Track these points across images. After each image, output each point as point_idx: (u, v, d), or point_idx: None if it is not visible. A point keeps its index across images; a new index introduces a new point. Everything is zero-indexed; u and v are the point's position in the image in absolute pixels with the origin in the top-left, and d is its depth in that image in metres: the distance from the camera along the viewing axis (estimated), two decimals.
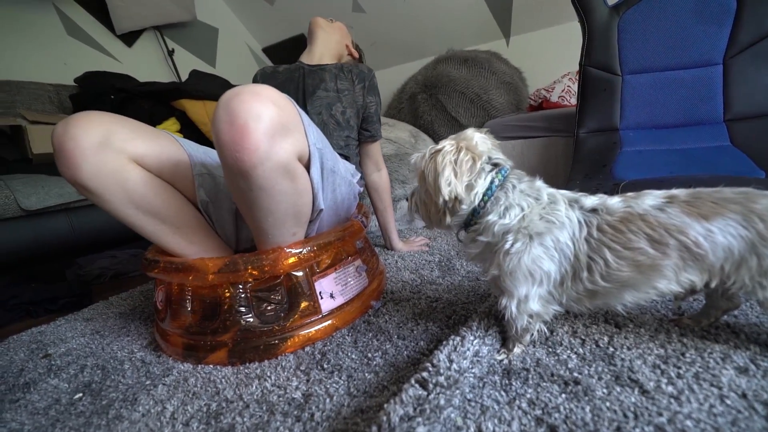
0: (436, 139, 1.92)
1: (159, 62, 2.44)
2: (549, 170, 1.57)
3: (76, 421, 0.61)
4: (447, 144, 0.59)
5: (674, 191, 0.56)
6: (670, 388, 0.52)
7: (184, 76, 2.43)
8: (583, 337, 0.67)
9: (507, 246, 0.57)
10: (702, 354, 0.58)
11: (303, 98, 1.12)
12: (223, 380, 0.67)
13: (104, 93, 1.76)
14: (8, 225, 1.22)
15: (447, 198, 0.58)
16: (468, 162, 0.57)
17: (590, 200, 0.58)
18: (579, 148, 1.28)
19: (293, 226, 0.76)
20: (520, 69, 2.09)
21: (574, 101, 1.87)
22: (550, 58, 2.14)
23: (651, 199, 0.56)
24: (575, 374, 0.57)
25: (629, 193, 0.59)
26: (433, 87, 1.95)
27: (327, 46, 1.20)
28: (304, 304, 0.78)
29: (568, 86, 1.97)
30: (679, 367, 0.56)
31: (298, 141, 0.68)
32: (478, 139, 0.61)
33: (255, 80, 1.19)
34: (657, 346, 0.62)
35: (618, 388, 0.53)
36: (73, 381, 0.73)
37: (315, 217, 0.80)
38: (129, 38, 2.28)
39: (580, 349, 0.63)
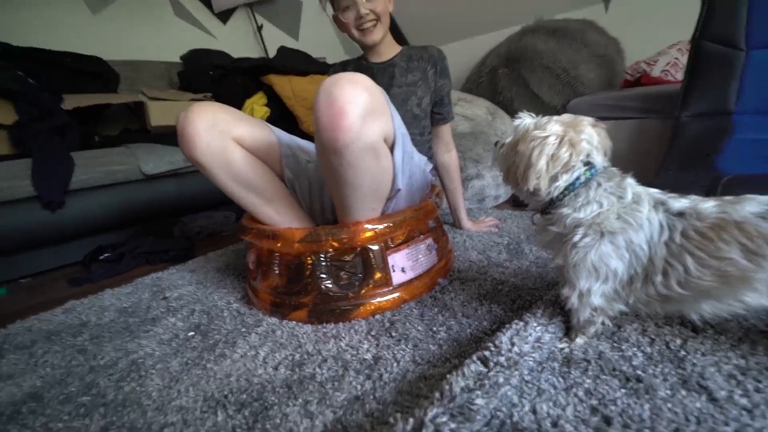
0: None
1: (249, 38, 2.61)
2: (639, 156, 1.43)
3: (191, 353, 0.76)
4: (554, 133, 0.57)
5: None
6: (743, 401, 0.50)
7: (271, 49, 2.58)
8: (653, 336, 0.65)
9: (576, 239, 0.57)
10: None
11: None
12: (304, 336, 0.78)
13: (204, 70, 1.96)
14: (132, 186, 1.46)
15: (531, 189, 0.59)
16: (564, 159, 0.56)
17: (680, 203, 0.55)
18: (679, 133, 1.15)
19: (373, 201, 0.83)
20: (617, 39, 1.88)
21: (680, 77, 1.65)
22: (656, 26, 1.88)
23: (753, 205, 0.51)
24: (638, 372, 0.57)
25: (727, 197, 0.54)
26: (516, 61, 1.85)
27: (384, 40, 1.12)
28: (377, 275, 0.85)
29: (676, 59, 1.74)
30: (759, 381, 0.53)
31: (385, 125, 0.75)
32: (588, 133, 0.58)
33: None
34: (737, 356, 0.58)
35: (683, 392, 0.52)
36: (186, 321, 0.89)
37: (393, 195, 0.86)
38: (224, 16, 2.46)
39: (648, 348, 0.62)
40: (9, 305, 1.17)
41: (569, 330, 0.66)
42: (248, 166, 0.87)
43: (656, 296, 0.57)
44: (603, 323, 0.64)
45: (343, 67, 1.21)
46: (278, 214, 0.93)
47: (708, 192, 0.85)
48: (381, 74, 1.14)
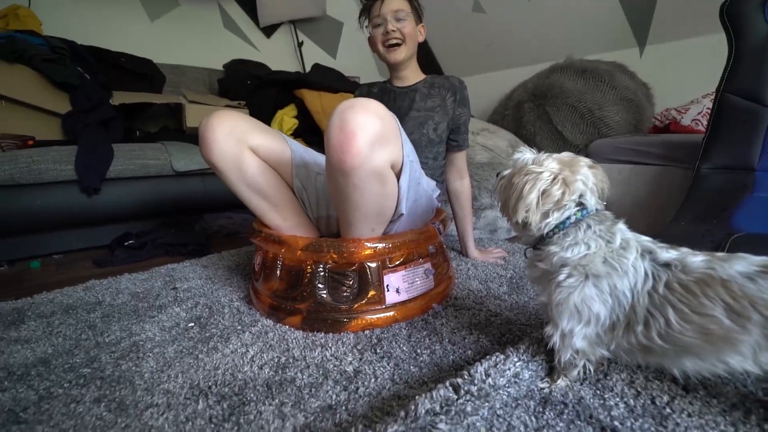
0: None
1: (289, 52, 2.75)
2: (659, 203, 1.40)
3: (187, 343, 0.80)
4: (549, 170, 0.59)
5: None
6: None
7: (308, 65, 2.71)
8: (639, 389, 0.63)
9: (560, 278, 0.58)
10: None
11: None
12: (294, 341, 0.81)
13: (243, 79, 2.08)
14: (163, 181, 1.56)
15: (519, 221, 0.61)
16: (556, 196, 0.57)
17: (668, 253, 0.55)
18: (697, 185, 1.13)
19: (374, 223, 0.86)
20: (648, 84, 1.87)
21: None
22: (690, 74, 1.87)
23: (742, 264, 0.51)
24: (616, 423, 0.56)
25: (719, 254, 0.54)
26: (542, 97, 1.87)
27: (409, 65, 1.19)
28: (371, 293, 0.87)
29: (708, 108, 1.71)
30: None
31: (393, 152, 0.78)
32: (584, 174, 0.59)
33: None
34: (727, 423, 0.56)
35: None
36: (189, 312, 0.94)
37: (395, 219, 0.89)
38: (269, 30, 2.62)
39: (632, 401, 0.61)
40: (39, 278, 1.28)
41: (552, 370, 0.66)
42: (259, 173, 0.93)
43: (637, 346, 0.56)
44: (586, 368, 0.64)
45: (369, 88, 1.27)
46: (284, 220, 0.98)
47: (716, 248, 0.83)
48: (402, 98, 1.19)
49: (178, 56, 2.16)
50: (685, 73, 1.88)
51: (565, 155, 0.63)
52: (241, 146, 0.90)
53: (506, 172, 0.67)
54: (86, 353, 0.77)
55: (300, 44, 2.72)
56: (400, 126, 0.81)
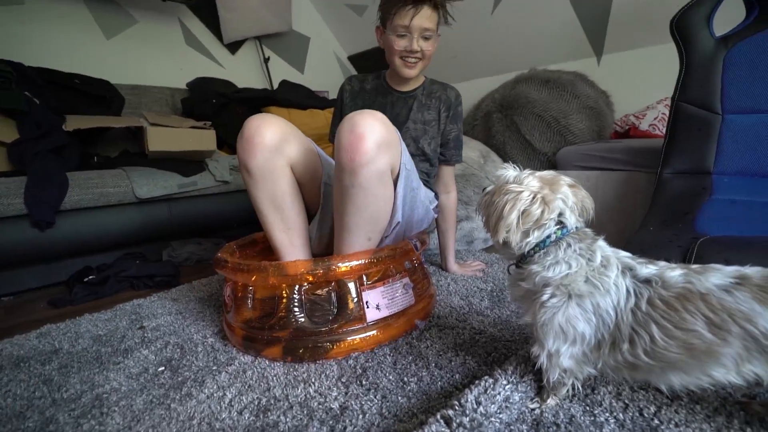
0: (507, 161, 1.88)
1: (256, 68, 2.70)
2: (626, 207, 1.46)
3: (158, 391, 0.74)
4: (529, 188, 0.59)
5: (747, 270, 0.51)
6: None
7: (276, 81, 2.67)
8: (627, 401, 0.64)
9: (544, 298, 0.57)
10: None
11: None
12: (274, 378, 0.76)
13: (208, 98, 2.02)
14: (125, 209, 1.47)
15: (500, 241, 0.61)
16: (536, 215, 0.57)
17: (647, 269, 0.56)
18: (660, 189, 1.18)
19: (371, 231, 0.87)
20: (607, 93, 1.96)
21: None
22: (645, 81, 1.97)
23: (718, 277, 0.52)
24: None
25: (694, 266, 0.55)
26: (509, 107, 1.91)
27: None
28: (350, 308, 0.84)
29: (663, 114, 1.81)
30: None
31: (393, 157, 0.83)
32: (564, 193, 0.59)
33: (343, 91, 1.21)
34: (712, 428, 0.57)
35: None
36: (158, 354, 0.88)
37: (390, 232, 0.90)
38: (233, 47, 2.56)
39: (621, 415, 0.61)
40: None
41: (541, 389, 0.66)
42: (287, 195, 0.92)
43: (624, 363, 0.56)
44: (574, 385, 0.63)
45: (361, 83, 1.21)
46: (291, 244, 0.95)
47: (684, 252, 0.86)
48: (400, 105, 1.18)
49: (138, 76, 2.06)
50: (640, 80, 1.98)
51: (547, 173, 0.63)
52: (283, 161, 0.90)
53: (490, 188, 0.67)
54: (41, 414, 0.69)
55: (266, 60, 2.67)
56: (400, 136, 0.86)
